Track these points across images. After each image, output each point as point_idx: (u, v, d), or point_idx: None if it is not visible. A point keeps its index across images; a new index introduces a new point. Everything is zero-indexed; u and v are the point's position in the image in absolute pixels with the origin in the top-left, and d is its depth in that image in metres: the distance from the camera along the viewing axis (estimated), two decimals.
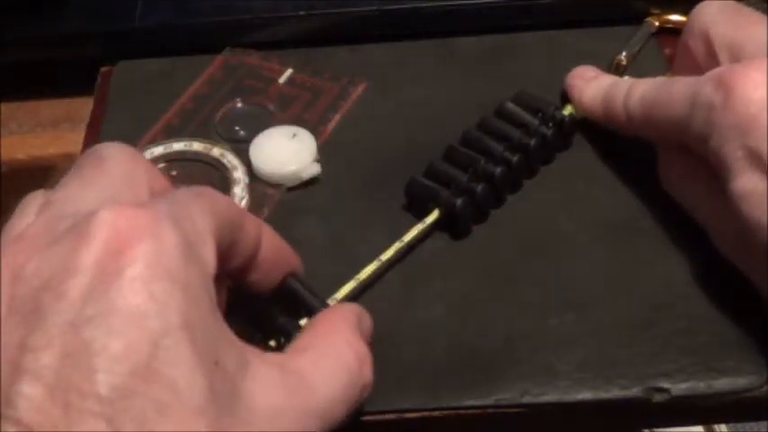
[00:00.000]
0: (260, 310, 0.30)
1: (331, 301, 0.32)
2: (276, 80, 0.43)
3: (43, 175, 0.45)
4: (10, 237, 0.24)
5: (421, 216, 0.35)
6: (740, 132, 0.30)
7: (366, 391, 0.28)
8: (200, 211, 0.25)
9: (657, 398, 0.31)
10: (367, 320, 0.30)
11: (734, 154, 0.30)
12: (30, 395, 0.21)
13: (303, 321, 0.30)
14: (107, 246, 0.23)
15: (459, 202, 0.35)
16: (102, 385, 0.21)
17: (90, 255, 0.22)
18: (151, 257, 0.23)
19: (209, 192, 0.26)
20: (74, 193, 0.26)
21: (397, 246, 0.34)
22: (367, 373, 0.28)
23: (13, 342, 0.22)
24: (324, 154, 0.39)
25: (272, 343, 0.30)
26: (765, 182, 0.29)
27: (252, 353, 0.25)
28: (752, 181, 0.29)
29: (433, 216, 0.35)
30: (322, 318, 0.29)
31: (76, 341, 0.21)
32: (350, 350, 0.28)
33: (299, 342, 0.28)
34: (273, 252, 0.29)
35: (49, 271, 0.23)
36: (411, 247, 0.35)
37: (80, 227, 0.23)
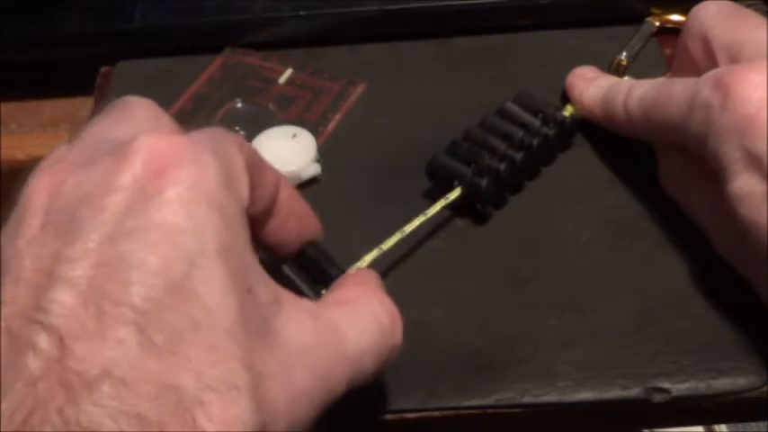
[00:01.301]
0: (281, 279, 0.29)
1: (352, 270, 0.31)
2: (276, 80, 0.43)
3: None
4: (45, 163, 0.25)
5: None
6: (738, 133, 0.30)
7: (395, 353, 0.28)
8: (234, 146, 0.25)
9: (657, 398, 0.31)
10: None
11: (732, 155, 0.30)
12: (63, 302, 0.21)
13: (324, 291, 0.30)
14: (148, 167, 0.23)
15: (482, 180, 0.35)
16: (137, 296, 0.21)
17: (130, 174, 0.23)
18: (192, 181, 0.23)
19: (234, 134, 0.27)
20: (105, 128, 0.26)
21: (420, 219, 0.34)
22: (398, 333, 0.28)
23: (47, 253, 0.22)
24: (324, 154, 0.39)
25: None
26: (763, 183, 0.29)
27: (285, 294, 0.25)
28: (749, 182, 0.29)
29: (455, 193, 0.35)
30: (353, 276, 0.30)
31: (113, 253, 0.22)
32: (382, 307, 0.28)
33: (330, 296, 0.28)
34: (291, 204, 0.29)
35: (88, 188, 0.23)
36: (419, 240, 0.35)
37: (120, 149, 0.23)
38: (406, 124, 0.41)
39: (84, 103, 0.45)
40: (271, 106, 0.41)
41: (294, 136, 0.39)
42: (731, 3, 0.35)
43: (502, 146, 0.37)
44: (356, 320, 0.27)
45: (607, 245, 0.35)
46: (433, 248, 0.36)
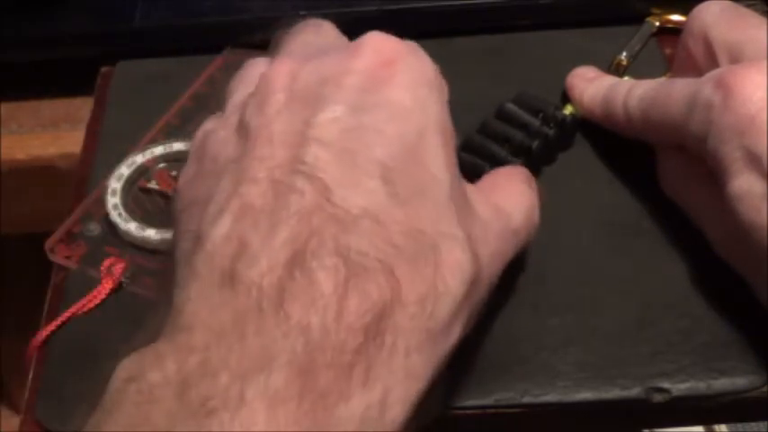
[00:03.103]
0: None
1: None
2: None
3: (43, 175, 0.45)
4: (271, 60, 0.28)
5: None
6: (738, 133, 0.30)
7: (534, 232, 0.31)
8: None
9: (657, 398, 0.31)
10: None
11: (731, 155, 0.30)
12: (319, 156, 0.24)
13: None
14: (378, 57, 0.27)
15: None
16: (381, 155, 0.25)
17: (363, 62, 0.26)
18: (415, 69, 0.27)
19: None
20: (310, 39, 0.30)
21: None
22: (537, 213, 0.31)
23: (298, 120, 0.25)
24: None
25: None
26: (762, 183, 0.29)
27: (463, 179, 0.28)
28: (748, 182, 0.29)
29: None
30: (502, 169, 0.33)
31: (357, 122, 0.25)
32: (525, 192, 0.31)
33: (484, 183, 0.31)
34: None
35: (325, 73, 0.26)
36: None
37: (350, 45, 0.27)
38: None
39: (84, 103, 0.45)
40: None
41: None
42: (732, 3, 0.35)
43: (502, 152, 0.37)
44: (510, 202, 0.30)
45: (607, 245, 0.35)
46: None
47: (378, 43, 0.27)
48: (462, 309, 0.24)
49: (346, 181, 0.24)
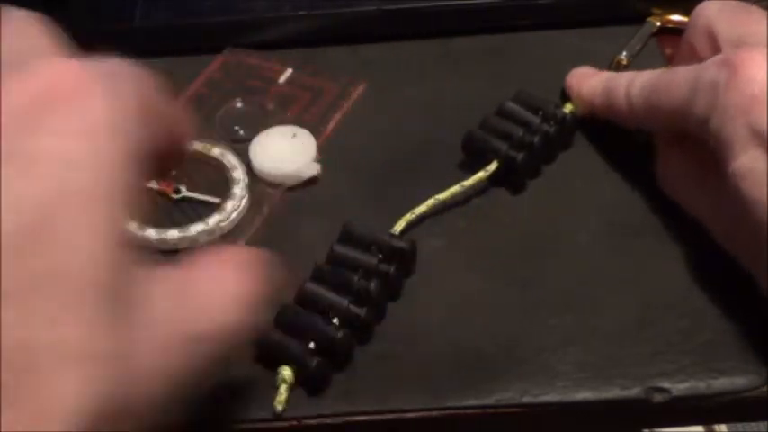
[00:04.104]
0: None
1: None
2: (276, 80, 0.43)
3: None
4: None
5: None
6: (743, 111, 0.30)
7: (246, 336, 0.24)
8: (132, 87, 0.23)
9: (657, 398, 0.31)
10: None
11: (736, 133, 0.30)
12: None
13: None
14: (37, 94, 0.20)
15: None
16: (5, 221, 0.18)
17: (17, 99, 0.20)
18: (76, 116, 0.20)
19: (138, 70, 0.24)
20: None
21: (455, 188, 0.36)
22: (247, 316, 0.24)
23: None
24: (324, 154, 0.39)
25: None
26: (766, 160, 0.29)
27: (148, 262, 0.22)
28: (752, 159, 0.29)
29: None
30: (220, 251, 0.26)
31: None
32: (234, 289, 0.24)
33: (194, 265, 0.24)
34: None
35: None
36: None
37: (13, 68, 0.21)
38: (405, 124, 0.41)
39: None
40: (271, 106, 0.41)
41: (294, 136, 0.39)
42: (734, 2, 0.36)
43: (503, 147, 0.37)
44: (210, 296, 0.23)
45: (607, 245, 0.35)
46: (432, 248, 0.36)
47: (43, 73, 0.21)
48: None
49: None
